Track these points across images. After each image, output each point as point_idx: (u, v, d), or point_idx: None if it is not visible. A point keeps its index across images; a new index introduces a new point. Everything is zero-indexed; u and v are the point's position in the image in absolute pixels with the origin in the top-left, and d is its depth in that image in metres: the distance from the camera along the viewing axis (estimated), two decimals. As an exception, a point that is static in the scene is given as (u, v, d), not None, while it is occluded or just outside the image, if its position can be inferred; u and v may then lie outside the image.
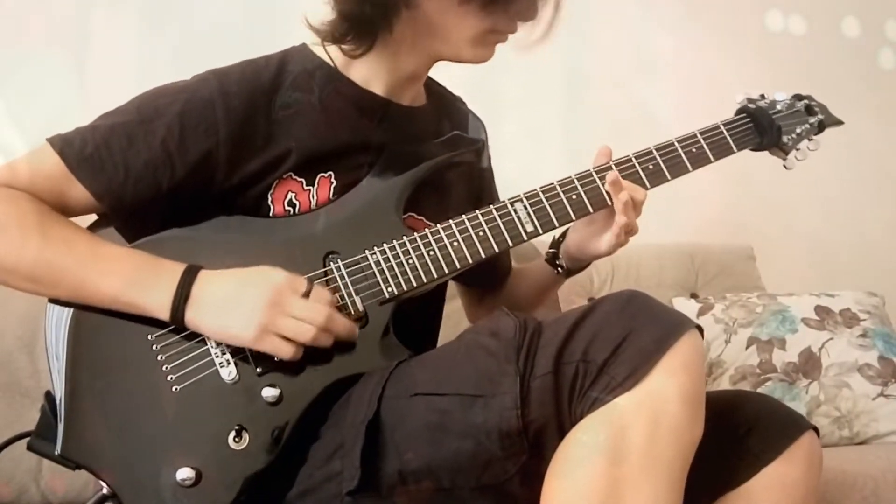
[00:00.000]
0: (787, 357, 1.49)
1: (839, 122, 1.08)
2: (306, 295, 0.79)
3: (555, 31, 0.89)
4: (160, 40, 1.64)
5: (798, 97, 1.08)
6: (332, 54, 0.91)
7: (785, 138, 1.02)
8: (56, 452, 0.78)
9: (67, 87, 1.58)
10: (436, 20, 0.87)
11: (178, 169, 0.84)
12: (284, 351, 0.78)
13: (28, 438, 0.82)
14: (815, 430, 0.84)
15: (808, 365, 1.48)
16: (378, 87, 0.92)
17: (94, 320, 0.81)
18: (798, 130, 1.03)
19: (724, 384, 1.49)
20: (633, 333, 0.68)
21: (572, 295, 1.58)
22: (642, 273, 1.70)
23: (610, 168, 0.92)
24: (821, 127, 1.06)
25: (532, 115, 1.83)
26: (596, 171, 0.92)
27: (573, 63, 1.85)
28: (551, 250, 1.03)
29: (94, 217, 0.88)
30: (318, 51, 0.92)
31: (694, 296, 1.68)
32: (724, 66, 2.00)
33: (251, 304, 0.78)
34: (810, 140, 1.05)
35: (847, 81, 2.07)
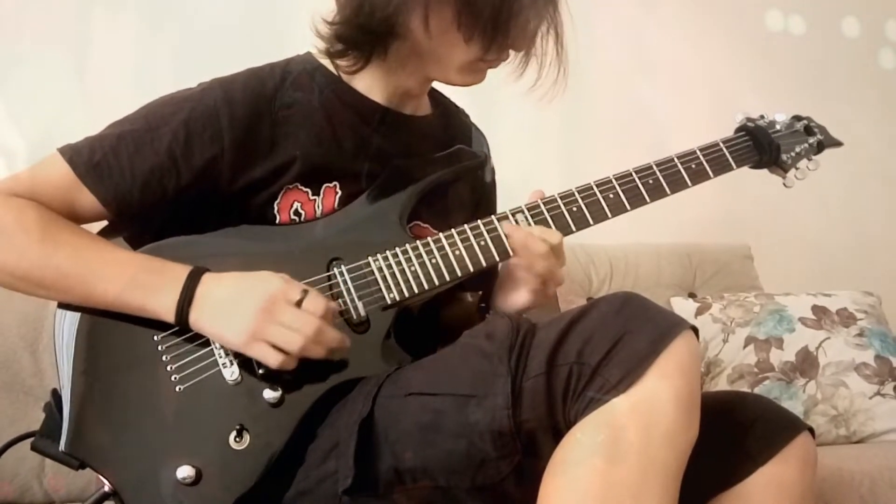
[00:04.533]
0: (784, 356, 1.49)
1: (838, 144, 1.09)
2: (299, 304, 0.79)
3: (566, 74, 0.89)
4: (160, 40, 1.64)
5: (797, 118, 1.08)
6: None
7: (784, 157, 1.03)
8: (61, 450, 0.78)
9: (67, 87, 1.58)
10: (426, 48, 0.88)
11: (184, 175, 0.85)
12: (271, 358, 0.78)
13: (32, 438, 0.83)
14: (811, 430, 0.84)
15: (806, 364, 1.48)
16: (379, 97, 0.94)
17: (103, 321, 0.82)
18: (797, 149, 1.04)
19: (721, 383, 1.50)
20: (627, 335, 0.69)
21: (571, 295, 1.59)
22: (640, 273, 1.71)
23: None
24: (820, 147, 1.07)
25: (530, 115, 1.83)
26: (597, 185, 0.93)
27: (572, 63, 1.85)
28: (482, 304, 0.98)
29: (103, 224, 0.89)
30: (323, 59, 0.93)
31: (692, 295, 1.69)
32: (723, 66, 2.00)
33: (245, 309, 0.78)
34: (810, 160, 1.06)
35: (847, 81, 2.08)
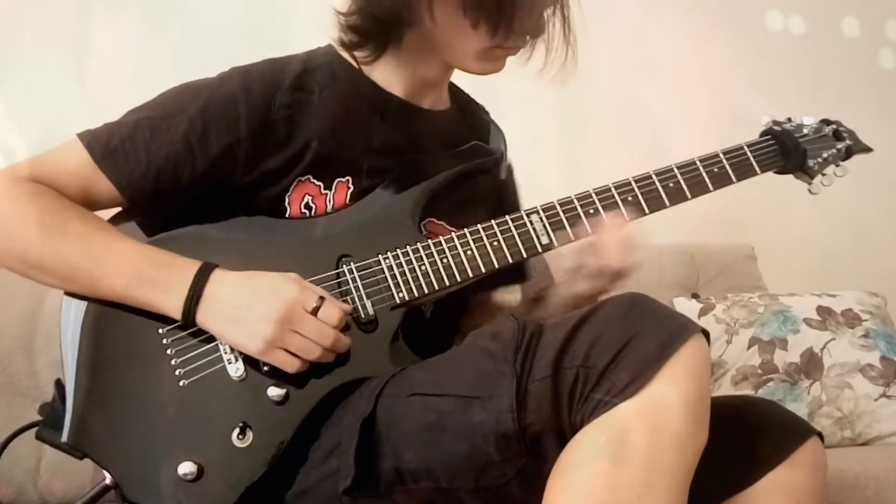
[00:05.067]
0: (788, 357, 1.49)
1: (868, 150, 1.05)
2: (315, 311, 0.79)
3: (574, 56, 0.89)
4: (160, 40, 1.64)
5: (826, 122, 1.05)
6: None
7: (811, 162, 1.00)
8: (63, 440, 0.78)
9: (67, 87, 1.58)
10: (440, 36, 0.87)
11: (199, 162, 0.85)
12: (290, 365, 0.79)
13: (33, 430, 0.82)
14: (820, 435, 0.84)
15: (810, 365, 1.48)
16: (398, 90, 0.93)
17: (109, 312, 0.82)
18: (825, 155, 1.01)
19: (725, 385, 1.49)
20: (636, 338, 0.67)
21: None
22: (643, 273, 1.67)
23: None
24: (848, 153, 1.03)
25: (531, 116, 1.83)
26: (616, 188, 0.92)
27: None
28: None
29: (116, 210, 0.89)
30: (343, 51, 0.92)
31: (695, 296, 1.68)
32: (723, 67, 2.00)
33: (261, 317, 0.78)
34: (837, 166, 1.02)
35: (847, 81, 2.08)
